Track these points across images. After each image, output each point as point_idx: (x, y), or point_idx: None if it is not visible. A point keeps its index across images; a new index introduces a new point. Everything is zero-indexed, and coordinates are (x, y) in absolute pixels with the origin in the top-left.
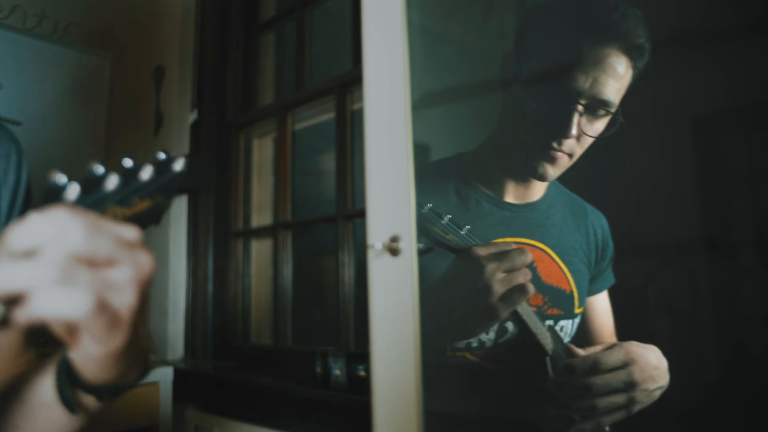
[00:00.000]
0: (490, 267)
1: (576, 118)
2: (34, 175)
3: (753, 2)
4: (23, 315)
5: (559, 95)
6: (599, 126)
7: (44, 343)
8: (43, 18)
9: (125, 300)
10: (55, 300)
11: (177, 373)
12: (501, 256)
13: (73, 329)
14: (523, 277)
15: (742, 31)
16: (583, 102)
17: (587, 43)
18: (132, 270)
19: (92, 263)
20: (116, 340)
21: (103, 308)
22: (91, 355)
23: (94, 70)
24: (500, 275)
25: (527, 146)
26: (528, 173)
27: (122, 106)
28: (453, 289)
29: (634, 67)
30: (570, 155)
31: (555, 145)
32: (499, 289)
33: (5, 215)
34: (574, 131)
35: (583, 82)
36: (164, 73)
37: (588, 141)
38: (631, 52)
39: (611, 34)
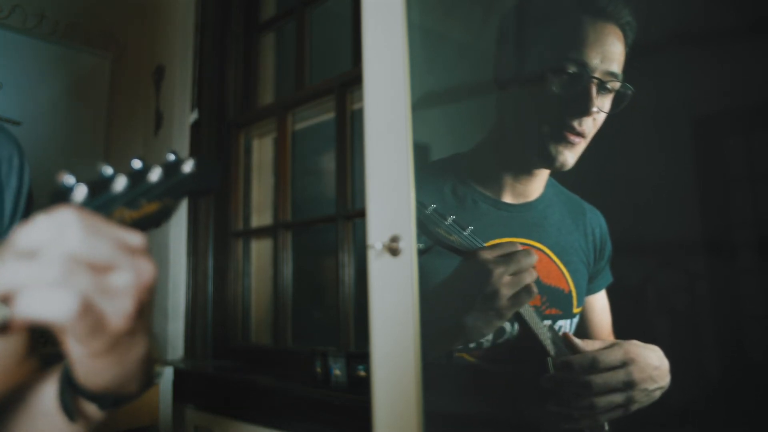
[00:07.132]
0: (498, 271)
1: (594, 92)
2: (34, 175)
3: (754, 2)
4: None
5: (574, 74)
6: (607, 103)
7: (44, 344)
8: (43, 18)
9: (120, 306)
10: (40, 301)
11: (177, 373)
12: (508, 258)
13: (58, 328)
14: (529, 277)
15: (743, 32)
16: (597, 76)
17: (591, 22)
18: (131, 276)
19: (91, 266)
20: (98, 343)
21: (88, 312)
22: (75, 356)
23: (94, 70)
24: (507, 278)
25: (543, 132)
26: (544, 163)
27: (122, 106)
28: (459, 293)
29: (626, 44)
30: (585, 137)
31: (576, 125)
32: (506, 292)
33: (9, 218)
34: (594, 107)
35: (594, 58)
36: (164, 73)
37: (599, 121)
38: (624, 28)
39: (608, 13)
